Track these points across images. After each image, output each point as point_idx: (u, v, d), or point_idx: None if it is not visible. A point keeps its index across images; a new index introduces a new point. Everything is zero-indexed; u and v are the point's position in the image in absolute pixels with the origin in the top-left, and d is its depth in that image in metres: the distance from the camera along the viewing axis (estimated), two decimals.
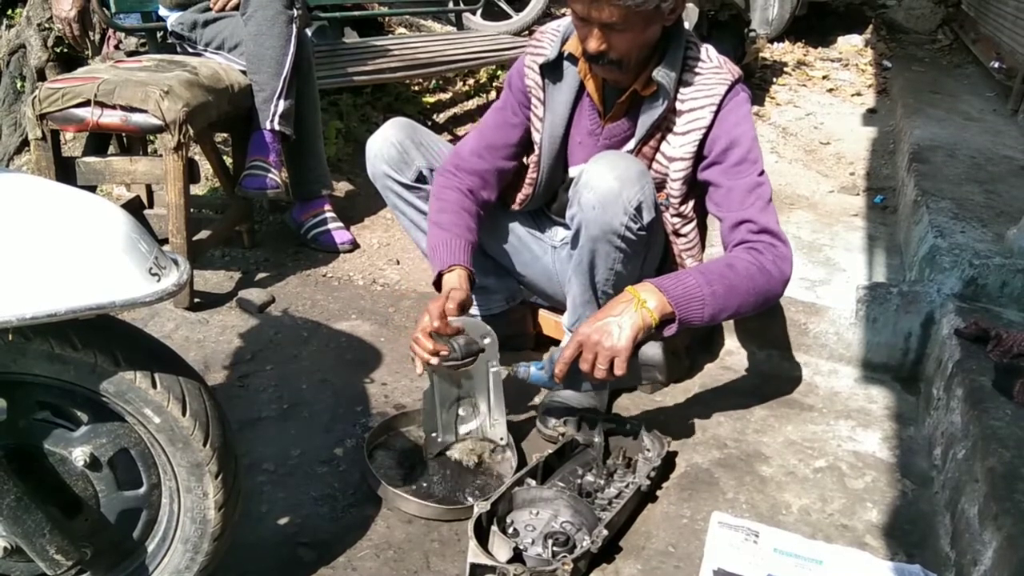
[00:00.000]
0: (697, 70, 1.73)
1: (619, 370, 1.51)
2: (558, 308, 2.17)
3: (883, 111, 4.94)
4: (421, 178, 1.98)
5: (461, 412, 1.76)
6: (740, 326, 2.35)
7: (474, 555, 1.41)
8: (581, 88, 1.82)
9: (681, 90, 1.73)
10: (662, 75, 1.69)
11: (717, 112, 1.72)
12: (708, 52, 1.76)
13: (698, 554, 1.56)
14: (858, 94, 5.34)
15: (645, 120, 1.76)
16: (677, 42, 1.72)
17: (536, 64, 1.83)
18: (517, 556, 1.44)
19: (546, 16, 4.92)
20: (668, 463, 1.80)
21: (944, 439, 1.81)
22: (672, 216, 1.84)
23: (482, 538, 1.46)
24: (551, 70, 1.83)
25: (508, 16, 4.99)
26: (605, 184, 1.66)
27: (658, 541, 1.60)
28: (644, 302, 1.53)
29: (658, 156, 1.80)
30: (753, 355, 2.29)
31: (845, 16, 7.09)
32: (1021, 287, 2.14)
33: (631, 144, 1.81)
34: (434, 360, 1.59)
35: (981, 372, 1.82)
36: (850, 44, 6.51)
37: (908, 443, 1.95)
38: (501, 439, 1.77)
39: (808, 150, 4.24)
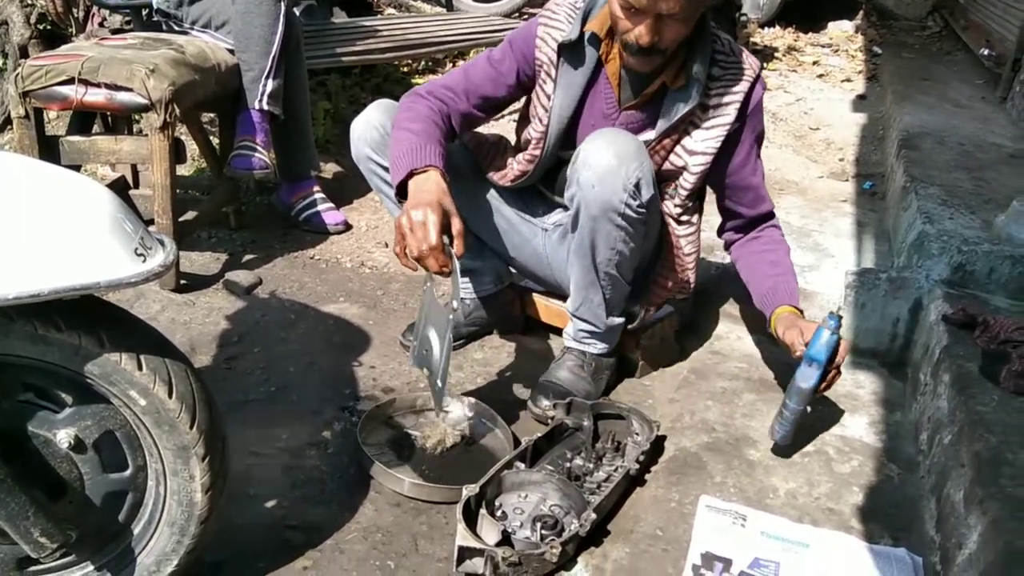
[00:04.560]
0: (723, 64, 1.74)
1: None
2: (551, 293, 2.17)
3: (873, 97, 4.94)
4: None
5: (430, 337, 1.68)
6: (728, 311, 2.36)
7: (462, 538, 1.41)
8: (597, 70, 1.79)
9: (709, 84, 1.73)
10: (697, 70, 1.68)
11: (741, 109, 1.74)
12: (731, 45, 1.77)
13: (686, 537, 1.56)
14: (848, 80, 5.34)
15: (672, 113, 1.75)
16: (705, 35, 1.71)
17: (553, 40, 1.78)
18: (506, 539, 1.44)
19: None
20: (657, 447, 1.81)
21: (930, 424, 1.82)
22: (675, 205, 1.83)
23: (471, 521, 1.45)
24: (569, 50, 1.78)
25: None
26: (603, 161, 1.64)
27: (646, 525, 1.60)
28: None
29: (677, 149, 1.79)
30: (741, 340, 2.29)
31: (836, 2, 7.06)
32: (1008, 274, 2.14)
33: (651, 135, 1.78)
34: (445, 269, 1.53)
35: (968, 358, 1.83)
36: (841, 30, 6.50)
37: (895, 428, 1.96)
38: (445, 406, 1.71)
39: (798, 135, 4.24)
